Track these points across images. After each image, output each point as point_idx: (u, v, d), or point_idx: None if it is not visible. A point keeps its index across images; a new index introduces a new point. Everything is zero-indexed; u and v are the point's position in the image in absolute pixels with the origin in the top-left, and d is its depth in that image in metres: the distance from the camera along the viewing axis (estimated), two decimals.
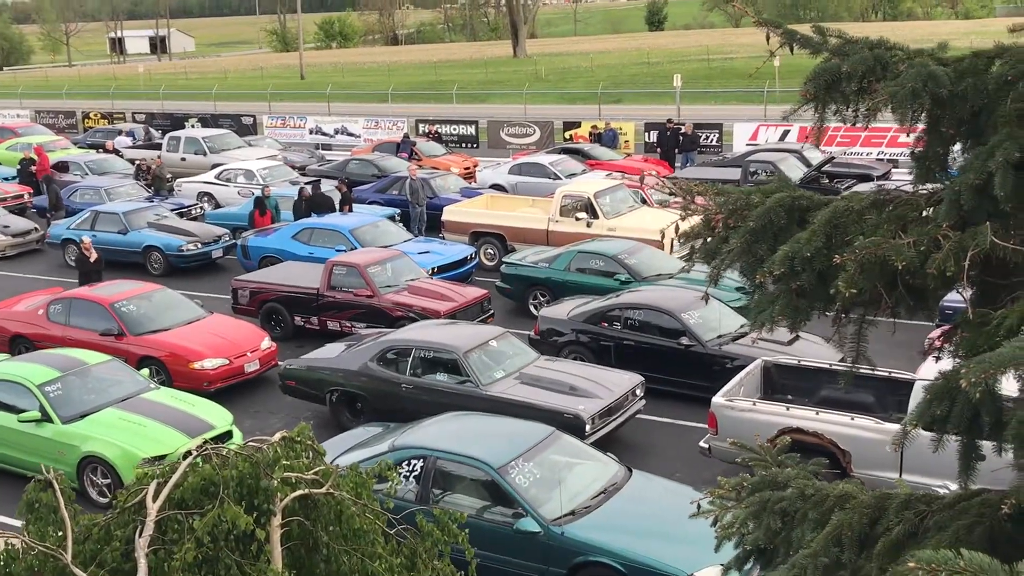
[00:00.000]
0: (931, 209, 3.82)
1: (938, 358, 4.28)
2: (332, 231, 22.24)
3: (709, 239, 4.39)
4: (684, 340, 15.54)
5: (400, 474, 7.66)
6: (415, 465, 11.06)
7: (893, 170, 28.60)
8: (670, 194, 4.72)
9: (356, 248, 20.90)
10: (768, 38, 4.30)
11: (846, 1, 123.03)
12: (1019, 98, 3.48)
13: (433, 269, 20.36)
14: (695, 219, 4.49)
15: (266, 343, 17.38)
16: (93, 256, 20.67)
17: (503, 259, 21.22)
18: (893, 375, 13.34)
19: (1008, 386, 3.13)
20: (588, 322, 16.54)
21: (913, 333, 17.11)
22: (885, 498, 4.11)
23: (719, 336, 15.55)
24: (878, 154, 32.05)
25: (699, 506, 5.07)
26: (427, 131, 41.22)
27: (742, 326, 15.92)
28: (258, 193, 25.78)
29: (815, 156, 28.34)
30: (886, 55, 3.90)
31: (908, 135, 3.97)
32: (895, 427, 11.76)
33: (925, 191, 3.97)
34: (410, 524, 6.85)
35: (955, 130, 3.78)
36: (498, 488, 10.74)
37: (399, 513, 6.77)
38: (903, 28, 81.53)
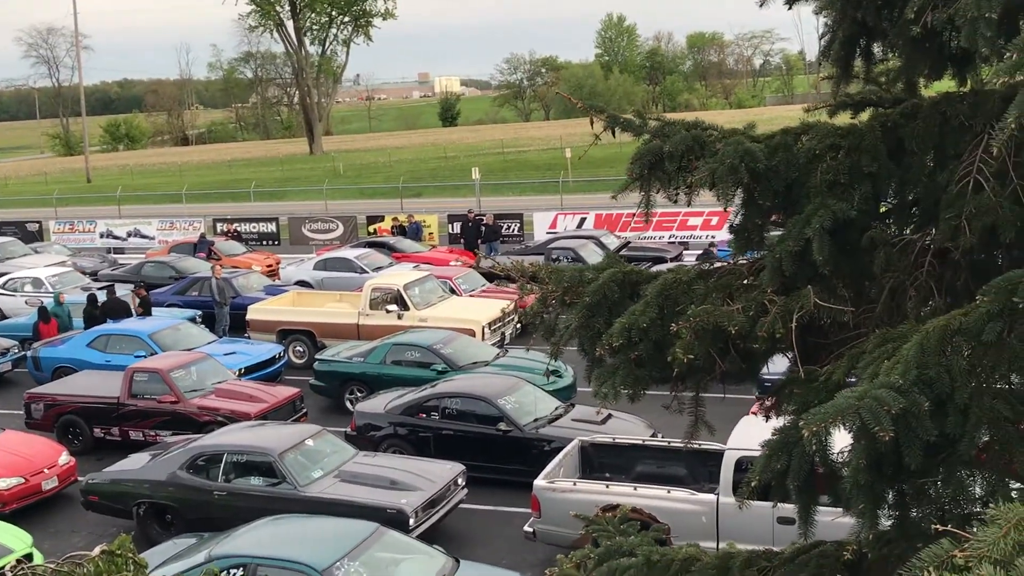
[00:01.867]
0: (753, 277, 4.05)
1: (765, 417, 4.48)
2: (130, 337, 21.38)
3: (545, 317, 4.49)
4: (502, 426, 15.64)
5: None
6: (234, 575, 10.63)
7: (684, 252, 29.93)
8: (504, 277, 4.80)
9: (156, 353, 20.13)
10: (592, 122, 4.49)
11: (628, 96, 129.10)
12: (828, 170, 3.76)
13: (240, 370, 19.81)
14: (529, 298, 4.59)
15: (64, 458, 16.43)
16: None
17: (316, 356, 20.84)
18: (703, 447, 13.77)
19: (838, 439, 3.33)
20: (405, 414, 16.43)
21: (723, 406, 17.79)
22: (728, 558, 4.24)
23: (535, 420, 15.73)
24: (670, 237, 33.51)
25: None
26: (225, 230, 40.43)
27: (556, 408, 16.19)
28: (46, 302, 24.57)
29: (612, 242, 29.39)
30: (703, 135, 4.15)
31: (725, 210, 4.20)
32: (710, 497, 12.15)
33: (745, 260, 4.20)
34: None
35: (771, 202, 4.03)
36: None
37: None
38: (684, 117, 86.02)
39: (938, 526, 2.90)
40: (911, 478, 3.16)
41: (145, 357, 19.75)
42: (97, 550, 5.62)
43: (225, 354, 20.38)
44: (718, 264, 4.30)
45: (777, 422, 12.95)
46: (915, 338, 3.06)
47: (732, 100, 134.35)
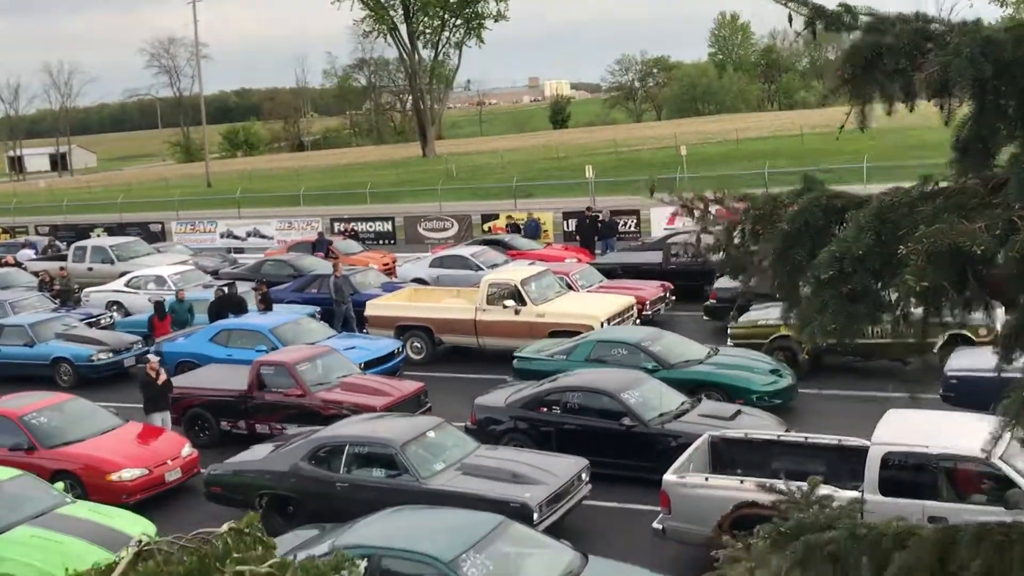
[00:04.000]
0: (991, 195, 3.50)
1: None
2: (251, 331, 21.51)
3: (733, 251, 4.01)
4: (625, 421, 15.14)
5: (358, 564, 7.02)
6: (360, 567, 10.34)
7: None
8: (681, 205, 4.33)
9: (277, 348, 20.17)
10: (791, 19, 3.98)
11: (743, 94, 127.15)
12: None
13: (361, 364, 19.70)
14: (715, 230, 4.11)
15: (187, 450, 16.51)
16: (162, 378, 17.98)
17: (514, 354, 19.90)
18: (843, 443, 13.08)
19: None
20: (526, 408, 16.05)
21: (864, 405, 17.08)
22: (952, 531, 3.70)
23: (660, 415, 15.20)
24: None
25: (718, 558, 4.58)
26: (343, 229, 40.79)
27: (683, 403, 15.62)
28: (167, 299, 24.95)
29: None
30: (927, 27, 3.60)
31: (947, 124, 3.67)
32: (853, 494, 11.44)
33: (976, 180, 3.66)
34: None
35: (1016, 101, 3.47)
36: None
37: None
38: (800, 116, 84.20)
39: None
40: None
41: (267, 352, 19.79)
42: (225, 527, 5.35)
43: (345, 349, 20.31)
44: (943, 183, 3.75)
45: (925, 414, 12.11)
46: None
47: (845, 122, 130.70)
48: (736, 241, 3.99)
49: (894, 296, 3.62)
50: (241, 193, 55.84)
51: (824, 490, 11.75)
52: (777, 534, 4.21)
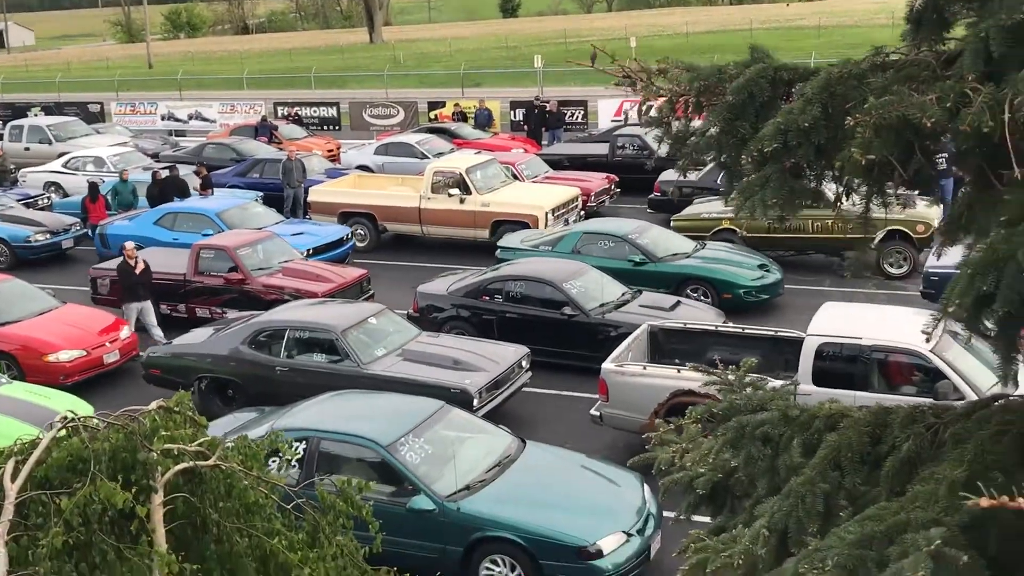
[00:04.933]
0: (944, 68, 3.42)
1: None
2: (198, 215, 21.10)
3: (676, 123, 3.91)
4: (567, 310, 15.18)
5: (293, 446, 7.00)
6: (297, 448, 10.34)
7: None
8: (624, 76, 4.21)
9: (224, 231, 19.86)
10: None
11: None
12: None
13: (309, 251, 19.50)
14: (658, 102, 4.00)
15: (125, 332, 16.31)
16: (140, 266, 17.12)
17: (498, 243, 19.79)
18: (779, 334, 13.25)
19: None
20: (468, 296, 16.03)
21: (801, 296, 17.31)
22: (886, 413, 3.71)
23: (601, 305, 15.25)
24: None
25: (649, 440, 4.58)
26: (287, 114, 39.98)
27: (624, 294, 15.69)
28: (112, 180, 24.37)
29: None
30: None
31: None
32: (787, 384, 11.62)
33: (929, 53, 3.57)
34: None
35: None
36: (388, 467, 10.19)
37: (281, 499, 6.15)
38: (750, 11, 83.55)
39: None
40: None
41: (213, 235, 19.49)
42: (154, 404, 5.26)
43: (293, 235, 20.06)
44: (894, 56, 3.66)
45: (860, 307, 12.25)
46: None
47: None
48: (680, 113, 3.89)
49: (838, 172, 3.56)
50: (183, 75, 54.33)
51: (776, 381, 12.02)
52: (709, 416, 4.22)
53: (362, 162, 28.63)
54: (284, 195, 24.53)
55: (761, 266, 17.56)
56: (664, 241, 18.19)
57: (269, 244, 18.35)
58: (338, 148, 32.31)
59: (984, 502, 1.48)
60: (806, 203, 3.77)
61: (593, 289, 15.56)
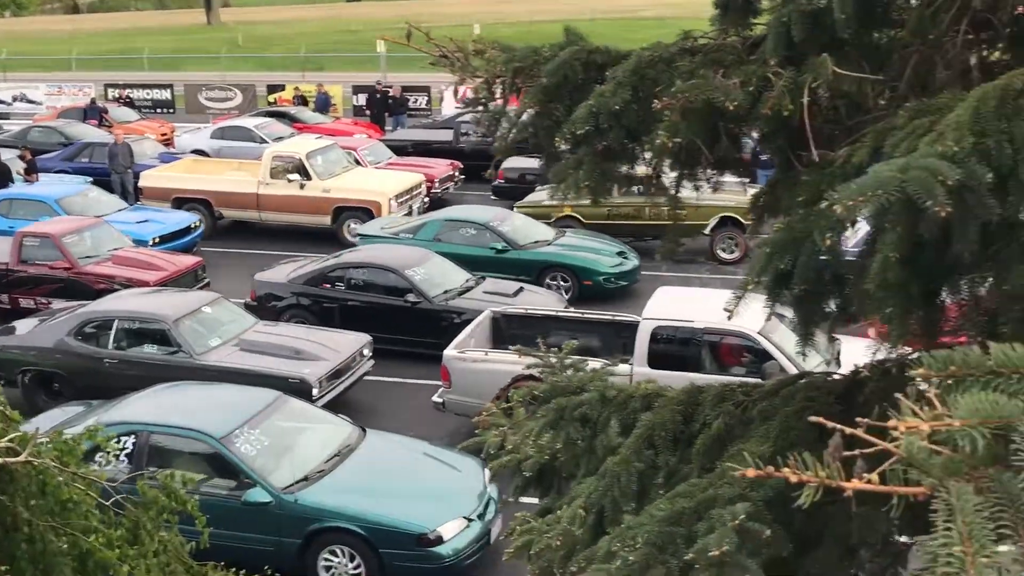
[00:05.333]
0: (750, 52, 3.48)
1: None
2: (36, 202, 19.96)
3: (491, 105, 3.88)
4: (410, 297, 15.10)
5: (116, 440, 6.72)
6: (125, 443, 9.99)
7: None
8: (442, 56, 4.15)
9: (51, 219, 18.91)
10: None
11: None
12: None
13: (155, 239, 18.79)
14: (474, 83, 3.96)
15: None
16: None
17: (357, 230, 19.33)
18: (617, 318, 13.50)
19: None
20: (309, 284, 15.76)
21: (646, 283, 17.62)
22: (698, 392, 3.78)
23: (445, 291, 15.23)
24: None
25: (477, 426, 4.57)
26: (118, 96, 38.50)
27: (467, 280, 15.71)
28: None
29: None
30: None
31: None
32: (624, 368, 11.84)
33: (736, 38, 3.63)
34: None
35: None
36: (222, 459, 9.93)
37: (109, 496, 5.90)
38: (593, 1, 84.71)
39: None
40: (953, 275, 2.70)
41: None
42: None
43: (137, 222, 19.30)
44: (702, 40, 3.71)
45: (693, 291, 12.60)
46: (967, 103, 2.54)
47: None
48: (497, 94, 3.87)
49: (648, 155, 3.62)
50: (7, 55, 51.64)
51: (595, 363, 12.23)
52: (531, 398, 4.24)
53: (197, 146, 27.82)
54: (111, 180, 23.58)
55: (620, 253, 17.83)
56: (525, 229, 18.24)
57: (98, 231, 17.61)
58: (172, 132, 31.32)
59: (751, 472, 1.51)
60: (622, 187, 3.83)
61: (436, 276, 15.53)
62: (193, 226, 20.32)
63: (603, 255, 17.60)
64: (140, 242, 18.50)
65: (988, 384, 1.55)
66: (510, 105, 3.94)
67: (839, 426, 1.54)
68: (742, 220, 18.70)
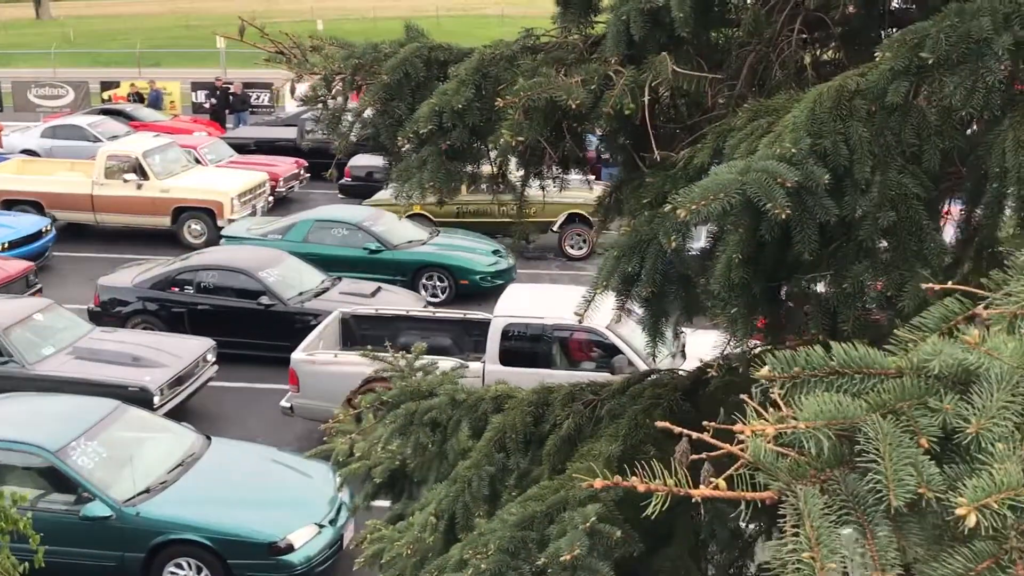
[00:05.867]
0: (590, 51, 3.46)
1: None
2: None
3: (331, 103, 3.76)
4: (264, 300, 14.67)
5: None
6: None
7: None
8: (278, 52, 4.01)
9: None
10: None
11: None
12: None
13: (5, 244, 17.77)
14: (311, 81, 3.83)
15: None
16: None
17: (222, 232, 18.75)
18: (468, 316, 13.50)
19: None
20: (156, 288, 15.10)
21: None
22: (548, 392, 3.76)
23: (300, 293, 14.86)
24: None
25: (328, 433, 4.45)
26: None
27: (323, 281, 15.35)
28: None
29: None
30: None
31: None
32: (476, 365, 11.85)
33: (577, 36, 3.61)
34: None
35: None
36: (58, 473, 9.50)
37: None
38: None
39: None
40: (793, 274, 2.74)
41: None
42: None
43: None
44: (544, 38, 3.68)
45: (543, 288, 12.70)
46: (803, 104, 2.57)
47: None
48: (335, 92, 3.77)
49: (493, 154, 3.58)
50: None
51: (448, 363, 12.19)
52: (380, 403, 4.16)
53: (27, 146, 26.51)
54: None
55: (495, 252, 17.73)
56: (399, 228, 17.91)
57: None
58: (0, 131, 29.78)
59: (598, 483, 1.49)
60: (468, 186, 3.78)
61: (291, 277, 15.16)
62: (44, 230, 19.23)
63: (478, 254, 17.53)
64: None
65: (831, 384, 1.57)
66: (350, 103, 3.84)
67: (686, 431, 1.52)
68: (589, 217, 18.99)
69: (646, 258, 2.78)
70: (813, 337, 2.62)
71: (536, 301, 12.61)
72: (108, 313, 15.01)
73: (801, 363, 1.57)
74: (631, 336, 11.62)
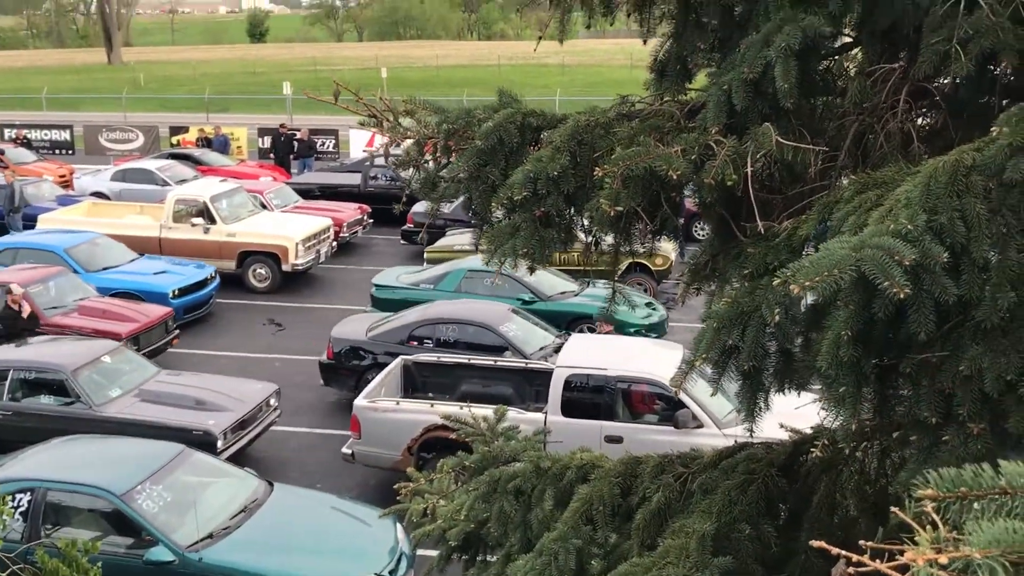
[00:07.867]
0: (688, 119, 3.44)
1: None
2: (43, 251, 18.63)
3: (425, 167, 3.76)
4: (508, 356, 14.22)
5: (9, 505, 6.38)
6: (20, 500, 9.55)
7: None
8: (370, 116, 4.02)
9: (77, 270, 17.88)
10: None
11: (443, 20, 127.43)
12: None
13: (175, 291, 18.09)
14: (406, 144, 3.84)
15: None
16: (26, 310, 15.20)
17: (373, 280, 18.47)
18: (530, 366, 13.43)
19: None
20: (395, 342, 14.70)
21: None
22: (635, 463, 3.68)
23: (541, 348, 14.42)
24: None
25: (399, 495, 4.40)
26: (14, 136, 37.41)
27: (557, 336, 14.94)
28: None
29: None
30: None
31: (645, 43, 3.57)
32: (537, 416, 11.76)
33: (673, 101, 3.58)
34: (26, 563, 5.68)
35: (717, 19, 3.39)
36: (123, 516, 9.54)
37: (5, 567, 5.57)
38: (498, 47, 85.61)
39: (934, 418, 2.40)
40: (906, 354, 2.66)
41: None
42: None
43: (155, 273, 18.52)
44: (639, 105, 3.66)
45: (606, 339, 12.59)
46: (918, 179, 2.51)
47: (545, 33, 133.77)
48: (428, 157, 3.77)
49: (587, 221, 3.54)
50: None
51: (512, 412, 12.11)
52: (461, 468, 4.11)
53: (97, 188, 27.10)
54: (7, 222, 22.80)
55: (648, 304, 17.48)
56: (549, 279, 17.52)
57: (61, 280, 16.73)
58: (71, 173, 30.48)
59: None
60: (559, 252, 3.73)
61: (527, 331, 14.79)
62: (210, 277, 19.28)
63: (632, 307, 17.23)
64: (160, 295, 17.79)
65: (1002, 506, 1.48)
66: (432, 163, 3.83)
67: (844, 552, 1.44)
68: (650, 266, 18.86)
69: (747, 330, 2.71)
70: (926, 419, 2.53)
71: (598, 351, 12.52)
72: (343, 366, 14.76)
73: (968, 482, 1.49)
74: (694, 389, 11.49)
